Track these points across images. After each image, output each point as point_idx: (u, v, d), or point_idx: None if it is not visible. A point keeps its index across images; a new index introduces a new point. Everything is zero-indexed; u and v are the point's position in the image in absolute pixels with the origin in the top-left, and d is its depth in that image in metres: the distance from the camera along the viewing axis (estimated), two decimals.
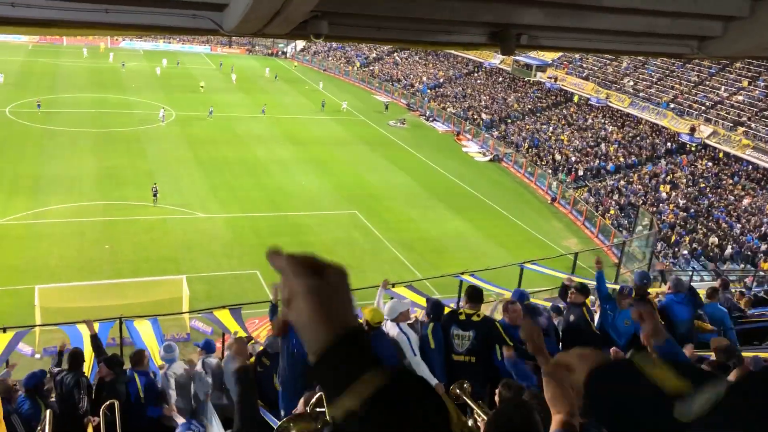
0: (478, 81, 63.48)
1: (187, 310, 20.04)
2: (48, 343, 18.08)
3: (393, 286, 12.45)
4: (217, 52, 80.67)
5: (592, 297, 9.74)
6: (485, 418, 3.89)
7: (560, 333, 8.42)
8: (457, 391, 3.61)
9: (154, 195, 30.44)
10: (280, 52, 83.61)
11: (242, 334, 11.63)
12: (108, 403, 6.75)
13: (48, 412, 4.34)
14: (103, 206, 30.26)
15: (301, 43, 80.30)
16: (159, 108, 48.92)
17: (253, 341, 11.61)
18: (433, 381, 6.63)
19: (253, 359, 9.36)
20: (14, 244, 25.65)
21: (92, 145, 39.54)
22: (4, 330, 10.78)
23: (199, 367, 8.47)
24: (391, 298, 9.49)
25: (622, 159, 41.92)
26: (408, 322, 7.39)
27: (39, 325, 17.03)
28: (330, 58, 78.21)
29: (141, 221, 28.91)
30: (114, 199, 31.07)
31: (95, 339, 8.52)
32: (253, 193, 34.39)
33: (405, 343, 7.07)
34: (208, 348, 8.81)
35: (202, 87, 56.54)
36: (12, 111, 44.96)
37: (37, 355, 17.76)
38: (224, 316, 12.24)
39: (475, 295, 7.32)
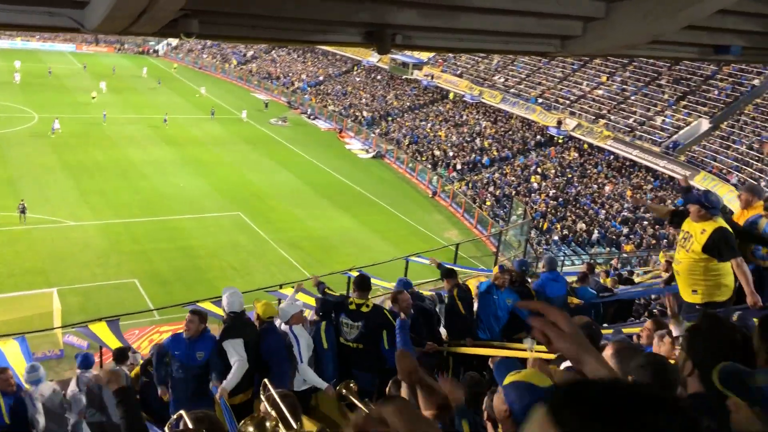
0: (358, 78, 63.98)
1: (59, 326, 18.80)
2: None
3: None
4: (83, 50, 76.07)
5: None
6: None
7: (442, 318, 8.73)
8: (344, 391, 3.62)
9: (22, 212, 27.98)
10: (151, 50, 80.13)
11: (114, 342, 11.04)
12: None
13: None
14: None
15: (174, 41, 77.35)
16: (17, 110, 45.54)
17: (135, 352, 11.11)
18: (323, 385, 6.63)
19: (137, 369, 8.95)
20: None
21: None
22: None
23: (73, 384, 7.96)
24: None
25: (496, 152, 43.74)
26: (299, 324, 7.29)
27: None
28: (205, 56, 75.95)
29: (3, 232, 26.77)
30: None
31: None
32: (128, 197, 32.78)
33: (294, 348, 6.99)
34: (85, 363, 8.31)
35: (93, 98, 51.08)
36: None
37: None
38: (101, 329, 11.59)
39: (363, 284, 7.40)
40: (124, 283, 23.90)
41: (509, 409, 2.88)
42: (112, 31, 3.34)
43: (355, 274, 14.34)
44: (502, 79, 51.10)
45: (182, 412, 3.65)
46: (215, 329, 7.70)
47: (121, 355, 8.81)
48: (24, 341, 10.86)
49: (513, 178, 39.77)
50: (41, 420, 7.18)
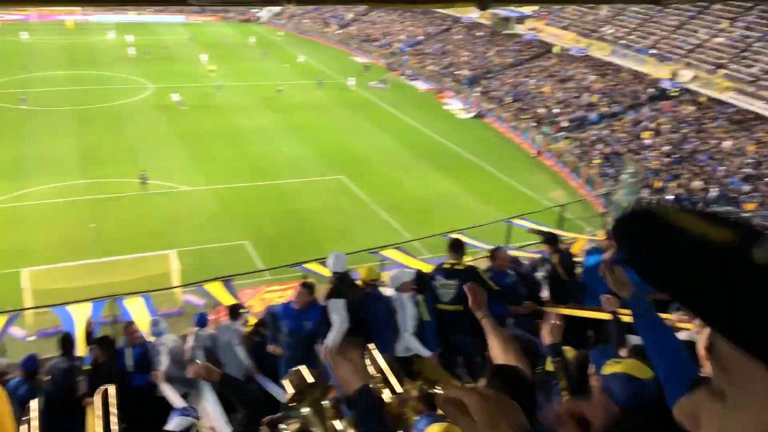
0: (457, 36, 62.73)
1: (178, 285, 20.02)
2: (42, 325, 18.03)
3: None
4: (192, 20, 79.00)
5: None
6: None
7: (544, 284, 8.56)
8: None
9: (144, 182, 29.47)
10: (254, 17, 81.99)
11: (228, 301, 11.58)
12: (103, 388, 6.77)
13: (35, 402, 4.32)
14: (86, 185, 29.93)
15: (276, 7, 78.76)
16: (133, 81, 48.21)
17: (245, 311, 11.65)
18: (426, 353, 6.71)
19: (249, 329, 9.41)
20: None
21: (71, 123, 38.92)
22: None
23: (190, 341, 8.50)
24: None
25: (605, 108, 41.85)
26: (408, 292, 7.40)
27: (28, 309, 16.96)
28: (306, 21, 76.91)
29: (125, 198, 28.64)
30: (96, 177, 30.73)
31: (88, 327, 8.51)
32: (237, 163, 34.12)
33: (400, 314, 7.12)
34: (200, 322, 8.83)
35: (212, 70, 51.69)
36: None
37: (31, 338, 17.70)
38: (216, 289, 12.24)
39: (457, 247, 7.40)
40: (235, 245, 25.05)
41: (607, 398, 2.86)
42: (217, 2, 3.40)
43: (455, 236, 14.33)
44: (611, 30, 48.51)
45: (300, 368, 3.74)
46: (322, 289, 7.94)
47: (234, 312, 9.25)
48: (148, 299, 11.67)
49: (623, 135, 37.95)
50: (164, 361, 7.74)
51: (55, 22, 70.17)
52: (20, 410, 6.93)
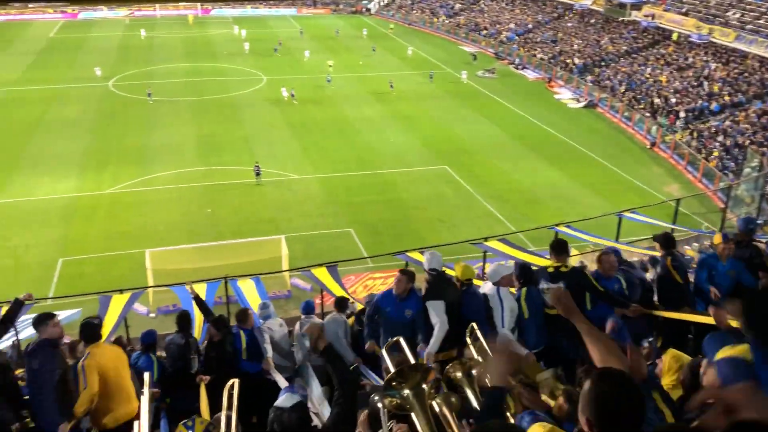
0: (569, 24, 60.79)
1: (286, 269, 20.82)
2: (161, 302, 19.34)
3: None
4: (303, 13, 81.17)
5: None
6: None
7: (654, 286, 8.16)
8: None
9: (257, 174, 30.15)
10: (364, 9, 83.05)
11: (339, 291, 11.94)
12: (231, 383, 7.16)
13: (146, 375, 4.69)
14: (203, 172, 31.62)
15: None
16: (248, 73, 50.23)
17: (351, 300, 11.92)
18: (523, 351, 6.59)
19: (353, 319, 9.66)
20: (126, 211, 27.35)
21: (191, 113, 41.16)
22: (121, 291, 11.64)
23: (297, 328, 8.79)
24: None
25: (727, 98, 39.27)
26: (507, 287, 7.23)
27: (151, 287, 18.18)
28: (415, 11, 77.01)
29: (239, 185, 29.99)
30: (213, 165, 32.37)
31: (199, 301, 8.99)
32: (344, 152, 34.87)
33: (497, 310, 7.01)
34: (307, 309, 9.10)
35: (330, 65, 51.50)
36: (115, 85, 47.35)
37: (152, 315, 19.00)
38: (322, 274, 12.65)
39: (560, 248, 7.23)
40: (341, 232, 25.67)
41: (721, 383, 2.76)
42: None
43: (563, 229, 14.01)
44: (737, 15, 45.33)
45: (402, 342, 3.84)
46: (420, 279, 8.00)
47: (342, 304, 9.51)
48: (259, 281, 12.24)
49: (747, 126, 35.48)
50: (269, 349, 8.08)
51: (177, 17, 74.21)
52: (138, 380, 7.53)
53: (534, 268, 7.71)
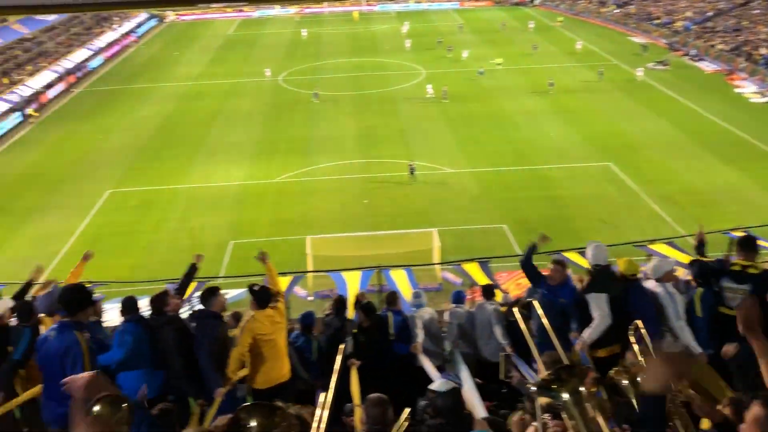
0: (757, 11, 55.30)
1: (438, 262, 20.93)
2: (319, 287, 20.21)
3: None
4: (465, 6, 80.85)
5: None
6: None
7: None
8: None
9: (411, 173, 30.11)
10: (528, 0, 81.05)
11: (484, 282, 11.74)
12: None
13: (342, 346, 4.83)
14: (362, 164, 32.61)
15: None
16: (408, 67, 51.00)
17: (502, 291, 11.73)
18: (697, 349, 6.15)
19: (504, 308, 9.50)
20: (290, 199, 28.94)
21: (352, 106, 42.62)
22: (284, 274, 12.31)
23: (447, 317, 8.83)
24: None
25: None
26: (671, 282, 6.88)
27: (310, 272, 19.08)
28: (581, 1, 73.95)
29: (395, 177, 30.57)
30: (371, 158, 33.29)
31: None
32: (501, 146, 34.35)
33: (669, 305, 6.62)
34: (457, 299, 9.12)
35: (499, 64, 49.75)
36: (285, 80, 50.17)
37: (310, 298, 19.92)
38: (473, 269, 12.56)
39: (749, 245, 6.56)
40: (493, 227, 25.35)
41: None
42: None
43: (739, 234, 12.79)
44: None
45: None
46: (575, 278, 7.69)
47: (489, 291, 9.39)
48: (410, 272, 12.41)
49: None
50: (420, 335, 8.17)
51: (343, 14, 77.00)
52: (299, 358, 7.90)
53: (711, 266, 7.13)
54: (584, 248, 8.11)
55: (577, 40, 56.68)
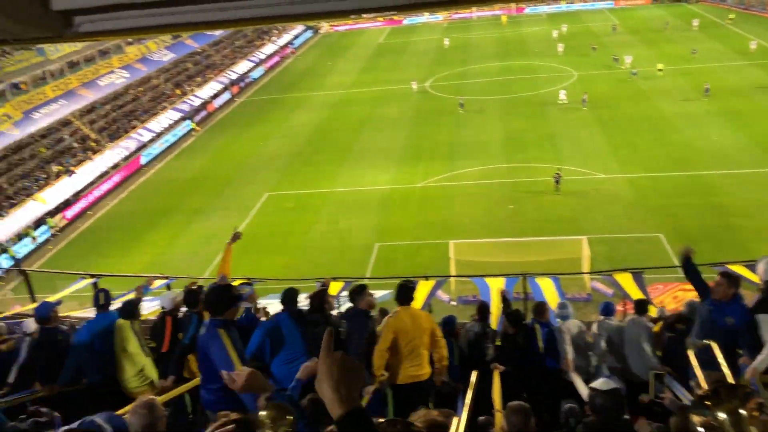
0: None
1: (587, 271, 20.13)
2: (461, 292, 20.20)
3: None
4: (621, 5, 77.10)
5: None
6: None
7: None
8: None
9: (557, 182, 28.89)
10: None
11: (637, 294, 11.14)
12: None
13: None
14: (508, 168, 32.13)
15: None
16: (559, 69, 49.59)
17: (656, 306, 11.07)
18: None
19: (658, 326, 8.95)
20: (434, 204, 29.17)
21: (499, 111, 42.12)
22: (426, 278, 12.42)
23: (595, 328, 8.46)
24: None
25: None
26: None
27: (453, 276, 19.10)
28: None
29: (542, 182, 29.81)
30: (517, 162, 32.71)
31: (504, 298, 9.16)
32: (657, 150, 32.40)
33: None
34: (606, 311, 8.71)
35: (660, 70, 45.90)
36: (431, 85, 50.65)
37: (453, 303, 19.94)
38: (625, 280, 11.92)
39: None
40: (648, 236, 23.95)
41: None
42: None
43: None
44: None
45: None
46: (749, 296, 7.09)
47: (642, 307, 8.90)
48: (557, 281, 12.02)
49: None
50: (569, 350, 7.88)
51: (492, 18, 76.30)
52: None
53: None
54: (754, 261, 7.46)
55: (752, 39, 51.68)
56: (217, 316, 5.16)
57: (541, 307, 8.55)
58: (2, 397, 6.49)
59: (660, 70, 46.01)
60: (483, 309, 8.69)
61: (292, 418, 3.31)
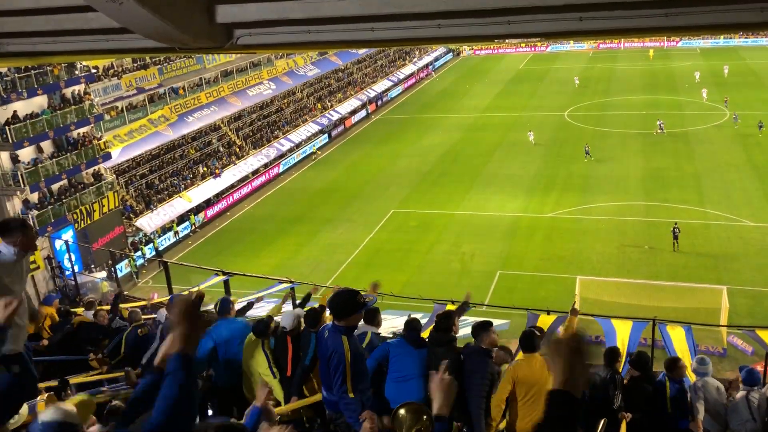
0: None
1: (724, 324, 18.64)
2: (587, 332, 19.32)
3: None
4: None
5: None
6: None
7: None
8: None
9: (675, 237, 26.22)
10: None
11: None
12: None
13: None
14: (646, 207, 30.53)
15: None
16: (709, 107, 46.67)
17: None
18: None
19: None
20: (562, 236, 28.23)
21: (640, 145, 40.23)
22: (548, 312, 11.99)
23: (739, 396, 7.56)
24: None
25: None
26: None
27: (577, 313, 18.27)
28: None
29: (684, 225, 27.97)
30: (657, 201, 31.00)
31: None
32: None
33: None
34: (750, 380, 7.56)
35: None
36: (569, 114, 49.31)
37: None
38: None
39: None
40: None
41: None
42: None
43: None
44: None
45: None
46: None
47: None
48: (690, 331, 11.20)
49: None
50: (701, 409, 7.27)
51: (640, 49, 73.28)
52: None
53: None
54: None
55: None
56: (340, 322, 5.23)
57: (673, 363, 7.83)
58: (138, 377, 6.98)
59: None
60: (612, 354, 8.16)
61: (427, 417, 3.46)
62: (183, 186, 35.58)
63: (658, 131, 41.60)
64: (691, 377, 8.24)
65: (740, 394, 7.56)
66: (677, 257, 25.37)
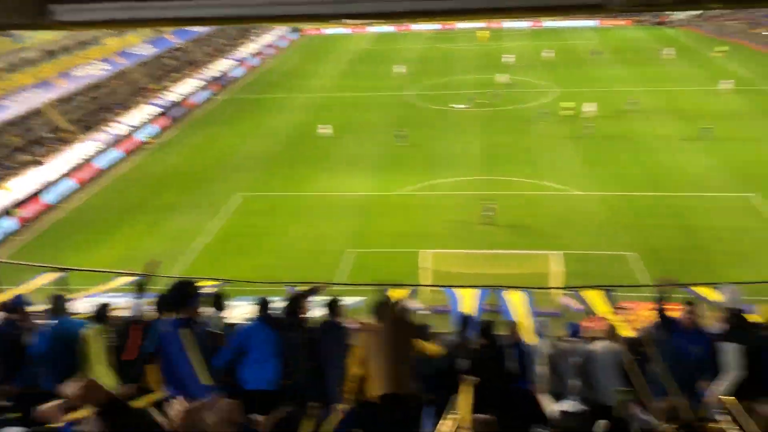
0: None
1: (556, 286, 20.24)
2: (434, 302, 20.14)
3: None
4: (605, 25, 77.95)
5: None
6: None
7: None
8: None
9: (488, 215, 27.51)
10: (668, 20, 77.05)
11: (606, 313, 11.19)
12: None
13: None
14: (485, 181, 32.28)
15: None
16: (540, 86, 50.06)
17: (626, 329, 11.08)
18: None
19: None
20: (407, 213, 29.16)
21: (479, 124, 42.33)
22: (401, 286, 12.32)
23: (562, 348, 8.36)
24: None
25: None
26: None
27: (421, 285, 19.07)
28: (730, 22, 69.38)
29: (517, 196, 29.99)
30: (495, 175, 32.88)
31: None
32: (633, 170, 32.86)
33: None
34: (573, 332, 8.63)
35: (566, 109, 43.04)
36: (414, 95, 50.74)
37: (425, 312, 19.85)
38: (594, 298, 11.97)
39: None
40: (620, 255, 24.22)
41: None
42: (637, 3, 3.28)
43: None
44: None
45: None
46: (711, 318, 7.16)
47: (612, 332, 8.84)
48: (530, 294, 12.00)
49: None
50: (542, 371, 7.85)
51: (472, 30, 76.38)
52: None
53: None
54: (718, 283, 7.54)
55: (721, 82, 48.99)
56: (178, 315, 5.06)
57: (510, 326, 8.47)
58: None
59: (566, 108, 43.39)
60: (463, 320, 8.61)
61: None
62: (2, 176, 32.41)
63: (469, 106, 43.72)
64: (533, 340, 8.88)
65: (565, 344, 8.41)
66: (516, 228, 27.11)
